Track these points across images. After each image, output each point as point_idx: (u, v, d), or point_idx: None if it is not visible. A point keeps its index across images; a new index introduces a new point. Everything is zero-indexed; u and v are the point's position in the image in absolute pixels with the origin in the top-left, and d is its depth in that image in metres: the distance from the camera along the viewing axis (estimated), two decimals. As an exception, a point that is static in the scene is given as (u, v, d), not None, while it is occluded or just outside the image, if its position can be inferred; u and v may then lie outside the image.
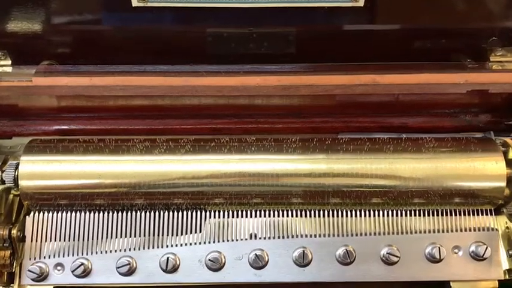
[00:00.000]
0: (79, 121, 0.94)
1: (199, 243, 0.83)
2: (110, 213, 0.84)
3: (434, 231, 0.84)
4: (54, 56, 0.90)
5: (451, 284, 0.83)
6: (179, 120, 0.93)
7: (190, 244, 0.83)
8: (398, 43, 0.91)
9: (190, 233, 0.84)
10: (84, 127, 0.94)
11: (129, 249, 0.83)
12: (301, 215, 0.85)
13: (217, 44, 0.91)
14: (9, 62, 0.86)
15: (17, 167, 0.83)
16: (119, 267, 0.82)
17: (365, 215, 0.85)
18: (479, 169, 0.83)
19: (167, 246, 0.83)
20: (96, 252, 0.83)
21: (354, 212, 0.85)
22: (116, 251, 0.83)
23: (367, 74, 0.82)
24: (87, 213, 0.84)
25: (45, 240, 0.83)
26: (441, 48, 0.91)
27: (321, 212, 0.85)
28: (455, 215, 0.85)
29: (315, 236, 0.84)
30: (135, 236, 0.84)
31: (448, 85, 0.81)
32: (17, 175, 0.83)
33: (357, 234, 0.84)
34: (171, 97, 0.90)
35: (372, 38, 0.91)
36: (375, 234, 0.84)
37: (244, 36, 0.90)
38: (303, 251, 0.82)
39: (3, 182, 0.84)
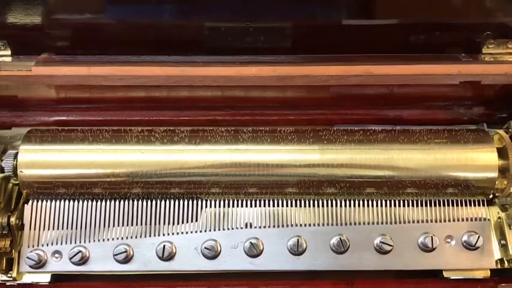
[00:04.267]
0: (78, 112, 0.95)
1: (196, 231, 0.85)
2: (108, 202, 0.85)
3: (427, 221, 0.85)
4: (54, 47, 0.90)
5: (444, 272, 0.84)
6: (176, 112, 0.94)
7: (187, 233, 0.85)
8: (394, 37, 0.92)
9: (187, 221, 0.85)
10: (82, 118, 0.95)
11: (126, 237, 0.84)
12: (296, 205, 0.86)
13: (214, 37, 0.91)
14: (9, 52, 0.87)
15: (16, 156, 0.84)
16: (116, 255, 0.83)
17: (359, 205, 0.86)
18: (472, 160, 0.84)
19: (164, 234, 0.84)
20: (94, 240, 0.84)
21: (348, 202, 0.86)
22: (113, 239, 0.84)
23: (362, 65, 0.82)
24: (85, 201, 0.85)
25: (44, 228, 0.84)
26: (436, 42, 0.92)
27: (316, 202, 0.86)
28: (448, 205, 0.86)
29: (310, 225, 0.85)
30: (132, 225, 0.85)
31: (441, 76, 0.82)
32: (16, 164, 0.84)
33: (351, 224, 0.85)
34: (168, 89, 0.91)
35: (367, 32, 0.92)
36: (368, 223, 0.85)
37: (241, 30, 0.90)
38: (298, 239, 0.83)
39: (3, 171, 0.85)
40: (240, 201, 0.86)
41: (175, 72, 0.81)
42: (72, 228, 0.85)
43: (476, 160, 0.84)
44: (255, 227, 0.85)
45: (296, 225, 0.85)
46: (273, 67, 0.82)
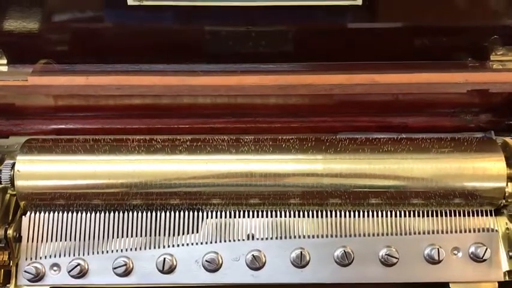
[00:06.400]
0: (76, 120, 0.94)
1: (196, 243, 0.83)
2: (107, 214, 0.84)
3: (433, 232, 0.83)
4: (51, 55, 0.89)
5: (450, 285, 0.82)
6: (176, 120, 0.93)
7: (187, 245, 0.83)
8: (398, 42, 0.90)
9: (188, 233, 0.83)
10: (81, 126, 0.94)
11: (126, 250, 0.83)
12: (299, 216, 0.84)
13: (215, 42, 0.90)
14: (5, 61, 0.86)
15: (13, 166, 0.83)
16: (115, 268, 0.81)
17: (364, 216, 0.84)
18: (479, 169, 0.82)
19: (164, 246, 0.83)
20: (93, 253, 0.82)
21: (352, 213, 0.84)
22: (112, 251, 0.83)
23: (366, 74, 0.81)
24: (84, 213, 0.84)
25: (42, 241, 0.83)
26: (441, 46, 0.91)
27: (319, 213, 0.84)
28: (455, 215, 0.84)
29: (313, 236, 0.83)
30: (131, 237, 0.83)
31: (448, 85, 0.80)
32: (13, 175, 0.82)
33: (355, 235, 0.83)
34: (168, 96, 0.89)
35: (371, 37, 0.90)
36: (373, 235, 0.83)
37: (242, 35, 0.89)
38: (301, 252, 0.82)
39: (0, 182, 0.83)
40: (241, 212, 0.84)
41: (174, 81, 0.80)
42: (70, 241, 0.83)
43: (484, 169, 0.82)
44: (257, 239, 0.83)
45: (299, 236, 0.83)
46: (275, 76, 0.80)
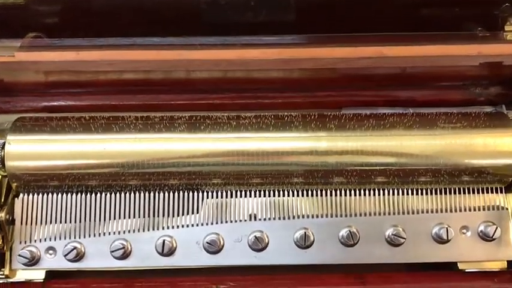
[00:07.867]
0: (68, 97, 0.90)
1: (197, 224, 0.80)
2: (103, 195, 0.81)
3: (441, 211, 0.81)
4: (40, 28, 0.85)
5: (459, 264, 0.80)
6: (173, 96, 0.89)
7: (188, 226, 0.80)
8: (405, 10, 0.86)
9: (188, 214, 0.81)
10: (74, 103, 0.90)
11: (124, 232, 0.80)
12: (302, 195, 0.81)
13: (212, 12, 0.86)
14: (-10, 36, 0.82)
15: (3, 146, 0.79)
16: (113, 251, 0.79)
17: (369, 195, 0.81)
18: (489, 145, 0.79)
19: (163, 228, 0.80)
20: (89, 235, 0.80)
21: (357, 192, 0.81)
22: (109, 233, 0.80)
23: (372, 46, 0.77)
24: (79, 194, 0.81)
25: (36, 224, 0.80)
26: (450, 15, 0.87)
27: (323, 192, 0.81)
28: (464, 193, 0.81)
29: (317, 216, 0.81)
30: (129, 218, 0.81)
31: (460, 57, 0.77)
32: (4, 155, 0.79)
33: (360, 215, 0.81)
34: (164, 71, 0.85)
35: (377, 5, 0.86)
36: (379, 214, 0.81)
37: (241, 4, 0.85)
38: (305, 232, 0.79)
39: (-11, 163, 0.80)
40: (243, 192, 0.81)
41: (171, 56, 0.76)
42: (66, 223, 0.80)
43: (494, 145, 0.79)
44: (259, 219, 0.81)
45: (303, 216, 0.81)
46: (278, 49, 0.76)
